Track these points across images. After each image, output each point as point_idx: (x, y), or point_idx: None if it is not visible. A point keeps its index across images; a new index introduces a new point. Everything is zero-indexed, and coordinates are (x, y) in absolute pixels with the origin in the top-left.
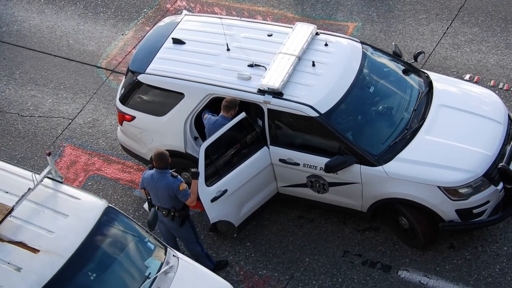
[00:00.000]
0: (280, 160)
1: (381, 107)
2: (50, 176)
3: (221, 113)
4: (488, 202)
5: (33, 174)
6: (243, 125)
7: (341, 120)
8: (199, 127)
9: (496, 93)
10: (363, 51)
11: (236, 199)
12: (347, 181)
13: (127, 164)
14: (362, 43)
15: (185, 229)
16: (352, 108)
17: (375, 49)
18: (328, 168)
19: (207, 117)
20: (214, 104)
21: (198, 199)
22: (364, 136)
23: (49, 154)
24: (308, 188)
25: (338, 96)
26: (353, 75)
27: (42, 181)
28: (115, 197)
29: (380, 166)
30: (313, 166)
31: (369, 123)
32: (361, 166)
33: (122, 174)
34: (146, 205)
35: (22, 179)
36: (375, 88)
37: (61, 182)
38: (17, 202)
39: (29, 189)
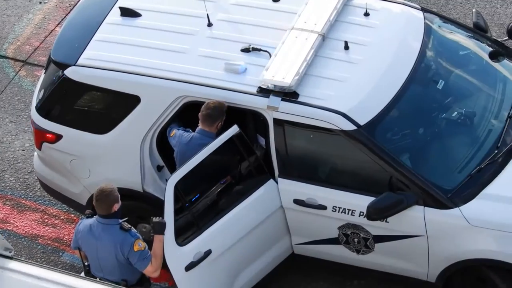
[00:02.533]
0: (296, 201)
1: (455, 113)
2: None
3: (199, 126)
4: None
5: None
6: (235, 145)
7: (391, 135)
8: (164, 150)
9: None
10: (426, 23)
11: (226, 266)
12: (404, 234)
13: (50, 212)
14: (424, 10)
15: None
16: (409, 116)
17: (446, 19)
18: (373, 213)
19: (177, 134)
20: (188, 113)
21: (165, 266)
22: (430, 160)
23: None
24: (341, 246)
25: (386, 98)
26: (411, 63)
27: None
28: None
29: (456, 208)
30: (349, 210)
31: (436, 139)
32: (425, 208)
33: (43, 228)
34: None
35: None
36: (445, 83)
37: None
38: None
39: None
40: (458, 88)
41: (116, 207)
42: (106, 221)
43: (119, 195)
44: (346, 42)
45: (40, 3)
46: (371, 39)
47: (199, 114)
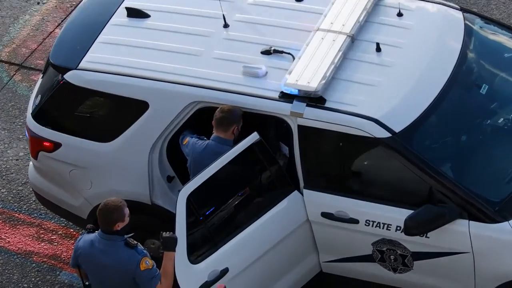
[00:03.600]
0: (324, 215)
1: (501, 119)
2: None
3: (214, 133)
4: None
5: None
6: (255, 154)
7: (430, 143)
8: (175, 160)
9: None
10: (466, 24)
11: (246, 286)
12: (447, 251)
13: (46, 227)
14: (464, 10)
15: None
16: (450, 122)
17: (488, 20)
18: (411, 227)
19: (191, 142)
20: (202, 120)
21: (176, 286)
22: (474, 170)
23: None
24: (375, 264)
25: (424, 103)
26: (450, 66)
27: None
28: (25, 285)
29: (506, 223)
30: (384, 224)
31: (481, 147)
32: (471, 222)
33: (38, 244)
34: None
35: None
36: (489, 88)
37: None
38: None
39: None
40: (503, 93)
41: (119, 226)
42: (110, 237)
43: (126, 213)
44: (378, 44)
45: (38, 3)
46: (405, 40)
47: (214, 119)
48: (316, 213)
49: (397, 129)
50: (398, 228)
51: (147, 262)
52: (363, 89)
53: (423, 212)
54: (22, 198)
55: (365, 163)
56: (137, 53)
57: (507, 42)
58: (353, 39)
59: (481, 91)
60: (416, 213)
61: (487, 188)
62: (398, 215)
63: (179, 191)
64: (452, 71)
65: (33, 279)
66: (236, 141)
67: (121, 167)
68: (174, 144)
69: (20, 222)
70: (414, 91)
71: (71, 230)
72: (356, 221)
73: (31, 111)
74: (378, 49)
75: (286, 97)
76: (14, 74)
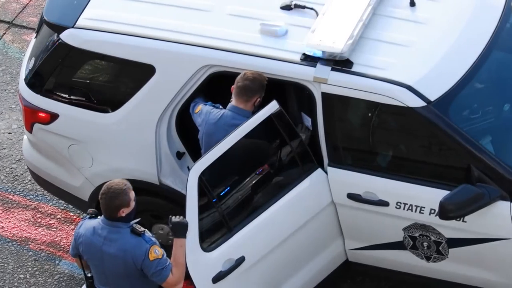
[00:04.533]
0: (351, 196)
1: None
2: None
3: (232, 102)
4: None
5: None
6: (274, 126)
7: (469, 114)
8: (186, 134)
9: None
10: None
11: (263, 277)
12: (486, 237)
13: (44, 210)
14: None
15: None
16: (491, 90)
17: None
18: (447, 211)
19: (204, 110)
20: (215, 86)
21: (188, 276)
22: None
23: None
24: (407, 252)
25: (463, 67)
26: (493, 24)
27: None
28: (22, 275)
29: None
30: (417, 207)
31: None
32: None
33: (35, 229)
34: None
35: None
36: None
37: None
38: None
39: None
40: None
41: (124, 212)
42: (114, 223)
43: (132, 197)
44: None
45: None
46: None
47: (233, 87)
48: (342, 194)
49: (433, 97)
50: (432, 211)
51: (156, 251)
52: (394, 50)
53: (460, 193)
54: (16, 177)
55: (396, 136)
56: (141, 8)
57: None
58: None
59: None
60: (452, 194)
61: None
62: (432, 197)
63: (189, 169)
64: (495, 29)
65: (30, 268)
66: (254, 113)
67: (125, 141)
68: (184, 115)
69: (15, 205)
70: (452, 53)
71: (71, 214)
72: (386, 204)
73: (24, 77)
74: (412, 3)
75: (308, 59)
76: (4, 34)
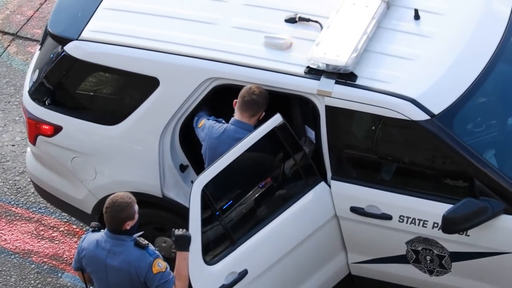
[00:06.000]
0: (353, 209)
1: None
2: None
3: (235, 116)
4: None
5: None
6: (277, 139)
7: (473, 127)
8: (189, 147)
9: None
10: None
11: None
12: (489, 251)
13: (47, 223)
14: None
15: None
16: (495, 103)
17: None
18: (450, 224)
19: (207, 125)
20: (219, 99)
21: None
22: None
23: None
24: (410, 265)
25: (466, 81)
26: (497, 37)
27: None
28: None
29: None
30: (420, 220)
31: None
32: None
33: (37, 242)
34: None
35: None
36: None
37: None
38: None
39: None
40: None
41: (129, 225)
42: (118, 236)
43: (136, 210)
44: (416, 11)
45: None
46: (447, 7)
47: (237, 101)
48: (345, 208)
49: (436, 110)
50: (435, 224)
51: (159, 264)
52: (398, 63)
53: (463, 206)
54: (19, 189)
55: (400, 150)
56: (145, 21)
57: None
58: (389, 5)
59: None
60: (456, 207)
61: None
62: (435, 210)
63: (192, 182)
64: (499, 42)
65: (32, 281)
66: (257, 126)
67: (128, 154)
68: (188, 128)
69: (18, 217)
70: (456, 66)
71: (74, 227)
72: (389, 217)
73: (27, 89)
74: (417, 16)
75: (312, 72)
76: (8, 46)
